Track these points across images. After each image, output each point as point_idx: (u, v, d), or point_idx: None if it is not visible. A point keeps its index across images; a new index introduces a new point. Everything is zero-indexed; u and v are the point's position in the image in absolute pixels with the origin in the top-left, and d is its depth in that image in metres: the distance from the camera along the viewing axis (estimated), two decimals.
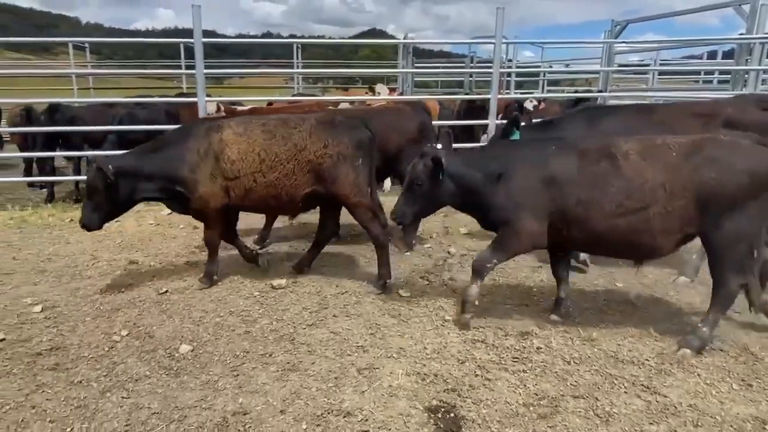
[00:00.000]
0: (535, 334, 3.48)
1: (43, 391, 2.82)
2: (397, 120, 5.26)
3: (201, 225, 4.27)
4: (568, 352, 3.25)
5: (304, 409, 2.69)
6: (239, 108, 6.96)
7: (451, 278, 4.43)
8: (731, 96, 6.21)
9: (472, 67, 13.85)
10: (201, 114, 6.64)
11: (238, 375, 2.99)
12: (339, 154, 3.99)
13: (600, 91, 9.13)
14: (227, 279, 4.39)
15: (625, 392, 2.85)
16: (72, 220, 5.17)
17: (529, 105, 8.27)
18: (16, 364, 3.08)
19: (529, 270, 4.63)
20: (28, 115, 8.06)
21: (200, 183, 3.99)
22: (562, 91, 14.29)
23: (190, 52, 12.70)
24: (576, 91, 12.13)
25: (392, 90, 11.29)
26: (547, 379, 2.97)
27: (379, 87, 9.49)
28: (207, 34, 7.14)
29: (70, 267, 4.67)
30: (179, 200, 4.14)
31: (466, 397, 2.80)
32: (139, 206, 6.69)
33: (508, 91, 12.11)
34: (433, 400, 2.77)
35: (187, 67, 12.38)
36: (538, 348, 3.29)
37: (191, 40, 6.68)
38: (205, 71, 6.79)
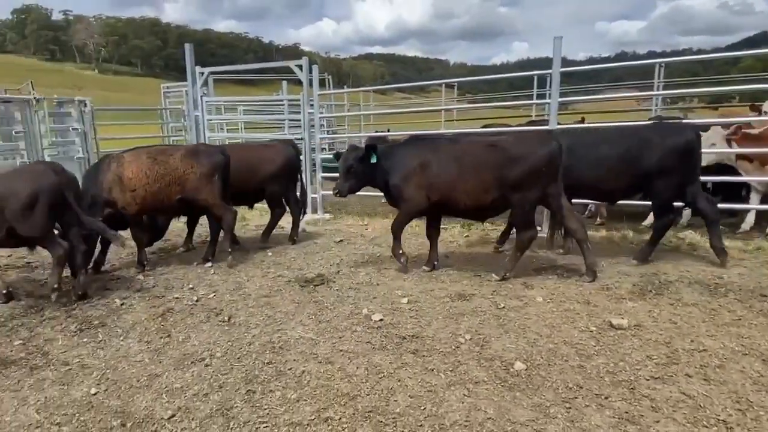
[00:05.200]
0: None
1: (405, 369, 3.43)
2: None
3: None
4: None
5: None
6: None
7: None
8: None
9: None
10: None
11: (570, 408, 2.92)
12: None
13: None
14: (562, 307, 4.36)
15: None
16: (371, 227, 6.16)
17: None
18: (390, 341, 3.85)
19: None
20: None
21: None
22: None
23: (538, 81, 13.33)
24: None
25: None
26: None
27: (767, 105, 7.61)
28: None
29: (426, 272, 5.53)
30: None
31: None
32: (456, 220, 7.34)
33: None
34: None
35: (538, 96, 12.99)
36: None
37: (545, 72, 6.97)
38: (560, 99, 6.93)
